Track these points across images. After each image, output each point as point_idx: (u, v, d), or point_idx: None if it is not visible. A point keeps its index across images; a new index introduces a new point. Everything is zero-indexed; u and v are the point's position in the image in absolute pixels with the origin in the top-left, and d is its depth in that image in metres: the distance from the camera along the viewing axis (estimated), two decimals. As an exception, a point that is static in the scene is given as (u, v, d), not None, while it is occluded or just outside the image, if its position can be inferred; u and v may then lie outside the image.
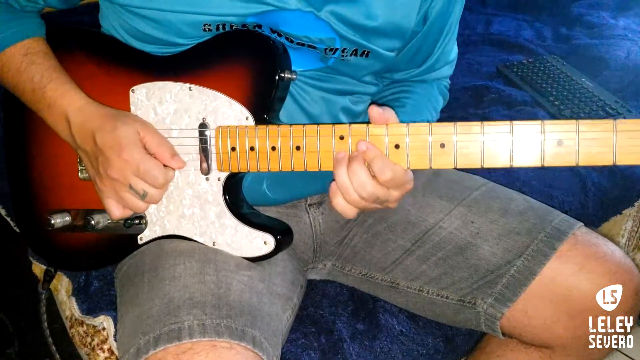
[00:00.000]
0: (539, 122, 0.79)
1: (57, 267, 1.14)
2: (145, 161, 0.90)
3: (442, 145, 0.82)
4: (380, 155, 0.84)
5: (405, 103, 1.12)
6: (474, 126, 0.81)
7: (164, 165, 0.93)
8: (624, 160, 0.76)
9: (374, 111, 0.84)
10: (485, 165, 0.82)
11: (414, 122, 0.84)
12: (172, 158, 0.93)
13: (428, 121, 1.01)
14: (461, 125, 0.82)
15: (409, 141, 0.84)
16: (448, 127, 0.82)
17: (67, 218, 1.02)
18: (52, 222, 1.01)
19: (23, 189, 1.10)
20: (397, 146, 0.84)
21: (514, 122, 0.80)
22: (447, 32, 1.11)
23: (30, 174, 1.08)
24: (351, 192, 0.84)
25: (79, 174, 1.03)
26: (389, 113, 0.85)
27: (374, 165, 0.84)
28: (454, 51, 1.18)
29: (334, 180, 0.86)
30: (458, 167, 0.83)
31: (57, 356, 1.15)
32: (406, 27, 1.00)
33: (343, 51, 0.98)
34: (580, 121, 0.77)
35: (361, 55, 1.00)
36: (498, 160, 0.81)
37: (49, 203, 1.06)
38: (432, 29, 1.07)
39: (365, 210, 0.89)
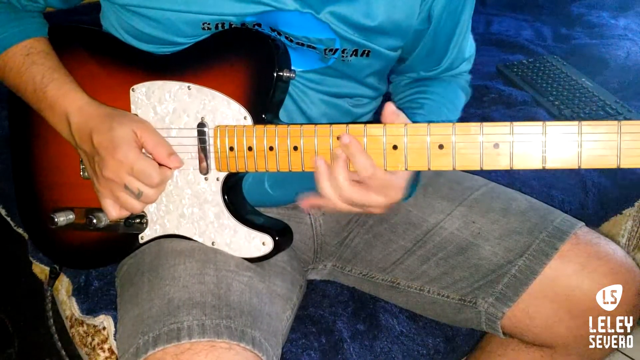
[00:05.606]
0: (540, 123, 0.78)
1: (60, 264, 1.14)
2: (139, 161, 0.90)
3: (441, 147, 0.82)
4: (362, 151, 0.84)
5: (422, 104, 1.10)
6: (473, 127, 0.80)
7: (161, 165, 0.93)
8: (628, 163, 0.74)
9: (389, 109, 0.84)
10: (485, 168, 0.81)
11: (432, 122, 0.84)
12: (168, 157, 0.93)
13: (450, 120, 0.99)
14: (460, 126, 0.81)
15: (407, 142, 0.83)
16: (447, 127, 0.81)
17: (71, 216, 1.02)
18: (56, 220, 1.01)
19: (27, 187, 1.10)
20: (395, 147, 0.83)
21: (515, 123, 0.78)
22: (461, 30, 1.10)
23: (34, 172, 1.08)
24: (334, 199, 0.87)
25: (81, 172, 1.03)
26: (403, 117, 0.85)
27: (356, 162, 0.84)
28: (471, 47, 1.17)
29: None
30: (457, 168, 0.82)
31: (63, 352, 1.15)
32: (407, 25, 0.99)
33: (343, 52, 0.98)
34: (583, 122, 0.75)
35: (362, 55, 0.99)
36: (498, 162, 0.80)
37: (53, 201, 1.06)
38: (442, 27, 1.05)
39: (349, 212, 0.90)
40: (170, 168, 0.94)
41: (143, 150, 0.93)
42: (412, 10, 0.98)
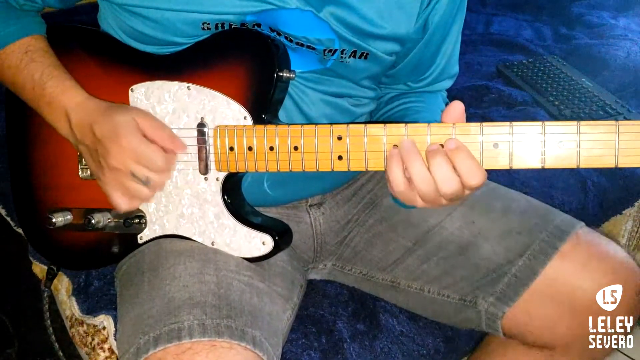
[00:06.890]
0: (539, 123, 0.78)
1: (58, 265, 1.14)
2: (143, 146, 0.89)
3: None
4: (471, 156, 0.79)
5: (420, 109, 1.10)
6: (473, 127, 0.80)
7: (165, 150, 0.92)
8: (626, 162, 0.75)
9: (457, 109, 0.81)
10: (485, 167, 0.81)
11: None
12: (171, 141, 0.92)
13: None
14: (460, 126, 0.81)
15: None
16: (447, 127, 0.81)
17: (69, 217, 1.02)
18: (53, 220, 1.01)
19: (25, 188, 1.09)
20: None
21: (514, 123, 0.79)
22: (450, 41, 1.10)
23: (32, 173, 1.08)
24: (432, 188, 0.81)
25: (80, 172, 1.03)
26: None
27: (463, 166, 0.79)
28: (456, 67, 1.17)
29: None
30: None
31: (61, 353, 1.15)
32: (404, 32, 1.00)
33: (342, 52, 0.98)
34: (582, 122, 0.76)
35: (360, 57, 0.99)
36: (497, 162, 0.80)
37: (50, 201, 1.05)
38: (433, 38, 1.06)
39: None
40: (173, 152, 0.93)
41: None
42: (410, 18, 0.99)
